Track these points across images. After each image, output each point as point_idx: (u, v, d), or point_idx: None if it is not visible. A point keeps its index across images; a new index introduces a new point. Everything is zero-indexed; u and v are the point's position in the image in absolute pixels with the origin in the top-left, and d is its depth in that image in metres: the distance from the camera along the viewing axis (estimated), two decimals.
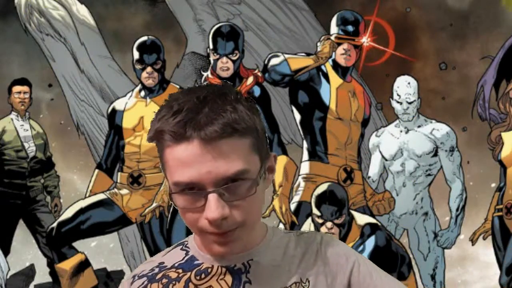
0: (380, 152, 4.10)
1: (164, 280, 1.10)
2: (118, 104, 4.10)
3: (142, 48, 4.02)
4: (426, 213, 4.06)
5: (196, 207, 0.99)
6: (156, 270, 1.13)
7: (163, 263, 1.14)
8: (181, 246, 1.16)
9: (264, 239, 1.11)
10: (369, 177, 4.09)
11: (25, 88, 4.32)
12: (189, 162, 0.96)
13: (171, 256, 1.15)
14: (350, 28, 3.93)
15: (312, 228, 3.58)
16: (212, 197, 0.97)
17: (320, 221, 3.51)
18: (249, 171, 0.99)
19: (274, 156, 1.09)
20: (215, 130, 0.95)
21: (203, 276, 1.08)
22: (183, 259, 1.13)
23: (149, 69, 3.99)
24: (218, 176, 0.96)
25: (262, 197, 1.05)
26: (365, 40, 3.97)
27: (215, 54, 3.89)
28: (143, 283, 1.12)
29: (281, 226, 3.81)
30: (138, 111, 4.03)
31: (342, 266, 1.10)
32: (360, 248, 3.52)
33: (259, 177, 1.01)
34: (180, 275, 1.09)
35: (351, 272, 1.09)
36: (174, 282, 1.09)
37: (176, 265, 1.12)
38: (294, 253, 1.10)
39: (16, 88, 4.31)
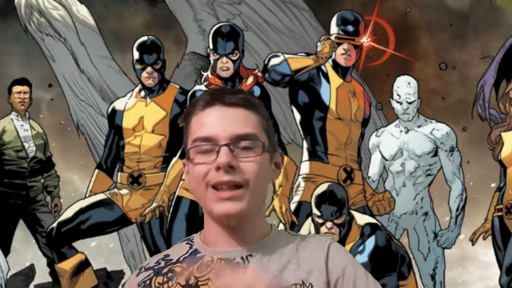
0: (380, 152, 4.10)
1: (170, 274, 1.15)
2: (118, 104, 4.10)
3: (142, 48, 4.02)
4: (426, 213, 4.06)
5: (208, 160, 1.10)
6: (162, 263, 1.18)
7: (169, 255, 1.20)
8: (186, 241, 1.22)
9: (267, 237, 1.16)
10: (369, 177, 4.09)
11: (25, 88, 4.32)
12: (209, 122, 1.13)
13: (177, 249, 1.21)
14: (350, 28, 3.93)
15: (312, 228, 3.58)
16: (223, 149, 1.09)
17: (320, 221, 3.51)
18: (258, 137, 1.13)
19: (281, 154, 1.21)
20: (234, 97, 1.14)
21: (203, 268, 1.13)
22: (187, 252, 1.18)
23: (149, 69, 3.99)
24: (231, 134, 1.11)
25: (266, 178, 1.16)
26: (365, 40, 3.97)
27: (215, 54, 3.89)
28: (149, 275, 1.17)
29: (281, 226, 3.81)
30: (138, 111, 4.03)
31: (347, 278, 1.13)
32: (360, 248, 3.51)
33: (266, 151, 1.13)
34: (185, 269, 1.15)
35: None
36: (178, 275, 1.14)
37: (181, 259, 1.17)
38: (298, 255, 1.13)
39: (16, 88, 4.31)
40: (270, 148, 1.15)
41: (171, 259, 1.18)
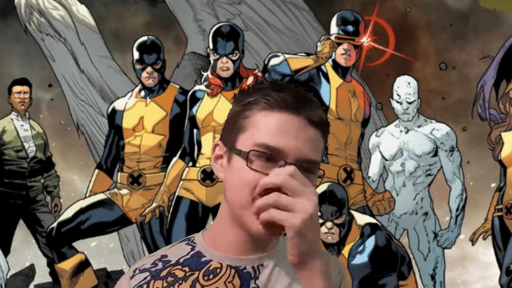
0: (380, 152, 4.10)
1: (170, 279, 1.07)
2: (118, 104, 4.10)
3: (142, 48, 4.02)
4: (426, 213, 4.06)
5: (267, 172, 0.99)
6: (160, 265, 1.09)
7: (166, 256, 1.11)
8: (186, 241, 1.13)
9: (277, 246, 1.10)
10: (369, 177, 4.09)
11: (25, 88, 4.32)
12: (287, 132, 1.01)
13: (176, 250, 1.12)
14: (350, 28, 3.93)
15: None
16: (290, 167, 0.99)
17: (320, 221, 3.51)
18: (319, 166, 1.05)
19: None
20: (319, 117, 1.04)
21: (211, 276, 1.05)
22: (188, 253, 1.10)
23: (149, 69, 3.99)
24: (302, 155, 1.01)
25: None
26: (365, 40, 3.97)
27: (215, 54, 3.89)
28: (145, 278, 1.08)
29: None
30: (138, 111, 4.03)
31: None
32: (360, 248, 3.51)
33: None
34: (188, 274, 1.06)
35: None
36: (180, 282, 1.06)
37: (181, 261, 1.09)
38: None
39: (16, 88, 4.31)
40: None
41: (170, 261, 1.09)
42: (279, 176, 0.96)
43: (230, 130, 1.06)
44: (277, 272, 1.06)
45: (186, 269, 1.07)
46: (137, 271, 1.10)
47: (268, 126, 1.02)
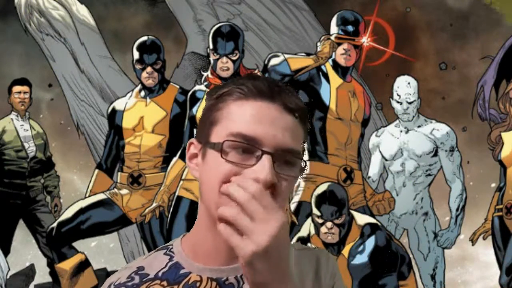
0: (380, 152, 4.10)
1: None
2: (118, 104, 4.10)
3: (142, 48, 4.02)
4: (426, 213, 4.06)
5: (244, 163, 0.94)
6: (137, 279, 1.01)
7: (143, 268, 1.03)
8: (164, 250, 1.06)
9: None
10: (369, 177, 4.09)
11: (25, 88, 4.32)
12: (262, 120, 0.95)
13: (153, 260, 1.05)
14: (350, 28, 3.93)
15: (312, 228, 3.58)
16: (267, 159, 0.93)
17: (320, 221, 3.51)
18: (301, 155, 0.98)
19: None
20: (294, 102, 0.98)
21: None
22: (166, 265, 1.02)
23: (149, 69, 3.99)
24: (279, 144, 0.95)
25: (290, 195, 1.01)
26: (365, 40, 3.97)
27: (215, 54, 3.89)
28: None
29: None
30: (138, 111, 4.03)
31: None
32: (360, 248, 3.51)
33: (301, 170, 1.00)
34: None
35: None
36: None
37: (160, 274, 1.01)
38: (295, 270, 1.01)
39: (16, 88, 4.31)
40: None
41: (147, 274, 1.01)
42: (239, 192, 0.85)
43: (204, 125, 1.00)
44: None
45: (165, 283, 1.00)
46: (112, 286, 1.02)
47: (242, 115, 0.96)
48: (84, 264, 4.03)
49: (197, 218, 1.04)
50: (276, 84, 1.00)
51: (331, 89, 3.90)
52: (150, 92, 4.03)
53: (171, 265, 1.02)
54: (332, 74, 3.92)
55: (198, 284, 0.98)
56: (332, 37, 3.91)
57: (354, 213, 3.65)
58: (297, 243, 1.11)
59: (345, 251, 3.52)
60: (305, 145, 1.03)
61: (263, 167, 0.92)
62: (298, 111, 0.98)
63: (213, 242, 0.99)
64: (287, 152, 0.95)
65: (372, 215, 3.86)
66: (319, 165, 3.90)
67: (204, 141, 0.99)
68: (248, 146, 0.94)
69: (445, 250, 4.04)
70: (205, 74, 3.97)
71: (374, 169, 4.13)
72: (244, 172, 0.93)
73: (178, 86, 4.08)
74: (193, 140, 1.03)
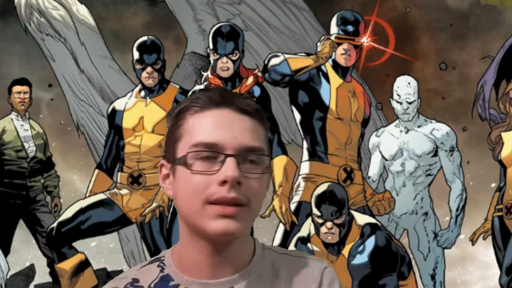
0: (380, 152, 4.10)
1: None
2: (118, 104, 4.09)
3: (142, 48, 4.01)
4: (426, 213, 4.06)
5: (210, 170, 0.97)
6: None
7: (138, 280, 1.06)
8: (157, 262, 1.08)
9: (251, 262, 1.04)
10: (369, 177, 4.09)
11: (25, 88, 4.32)
12: (218, 126, 1.00)
13: (147, 272, 1.07)
14: (350, 28, 3.93)
15: (312, 228, 3.58)
16: (231, 160, 0.97)
17: (320, 221, 3.51)
18: (265, 152, 1.02)
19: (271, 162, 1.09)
20: (246, 104, 1.02)
21: None
22: (157, 276, 1.05)
23: (149, 69, 3.98)
24: (241, 144, 0.99)
25: (265, 195, 1.05)
26: (365, 40, 3.97)
27: (215, 54, 3.89)
28: None
29: (281, 226, 3.81)
30: (138, 111, 4.03)
31: None
32: (360, 248, 3.52)
33: (269, 167, 1.03)
34: None
35: None
36: None
37: (152, 286, 1.04)
38: (287, 281, 1.04)
39: (16, 88, 4.31)
40: (270, 163, 1.04)
41: (142, 286, 1.05)
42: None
43: (169, 145, 1.06)
44: None
45: None
46: None
47: (200, 125, 1.01)
48: (84, 264, 4.03)
49: (180, 236, 1.06)
50: (227, 91, 1.05)
51: (331, 89, 3.90)
52: (150, 92, 4.03)
53: (162, 277, 1.05)
54: (332, 74, 3.92)
55: None
56: (332, 37, 3.91)
57: (354, 213, 3.65)
58: (293, 250, 1.12)
59: (345, 251, 3.52)
60: (268, 144, 1.06)
61: (227, 168, 0.96)
62: (254, 112, 1.02)
63: (197, 256, 1.02)
64: (249, 151, 0.99)
65: (372, 215, 3.86)
66: (319, 165, 3.90)
67: (172, 160, 1.03)
68: (210, 153, 0.98)
69: (445, 250, 4.04)
70: (205, 74, 3.97)
71: (374, 169, 4.13)
72: (212, 178, 0.97)
73: (178, 86, 4.08)
74: (163, 161, 1.07)
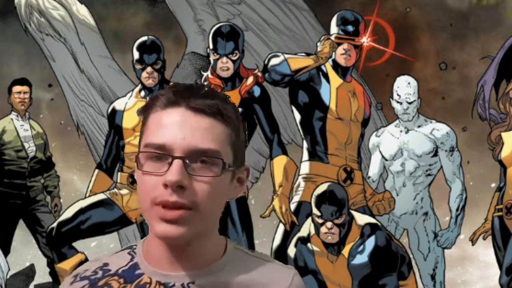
0: (380, 152, 4.11)
1: None
2: (118, 104, 4.09)
3: (142, 48, 4.01)
4: (426, 213, 4.06)
5: (158, 171, 0.96)
6: (100, 274, 1.06)
7: (107, 264, 1.08)
8: (129, 250, 1.10)
9: (217, 262, 1.04)
10: (369, 177, 4.10)
11: (25, 88, 4.32)
12: (168, 126, 0.98)
13: (117, 258, 1.09)
14: (350, 28, 3.93)
15: (312, 228, 3.58)
16: (177, 162, 0.96)
17: (320, 221, 3.51)
18: (220, 155, 0.98)
19: (246, 170, 1.07)
20: (203, 103, 0.98)
21: None
22: (127, 264, 1.06)
23: (149, 69, 3.98)
24: (190, 146, 0.97)
25: (222, 200, 1.02)
26: (365, 40, 3.97)
27: (215, 54, 3.89)
28: (83, 286, 1.05)
29: (281, 226, 3.81)
30: None
31: None
32: (360, 248, 3.51)
33: (227, 171, 0.99)
34: (121, 286, 1.03)
35: None
36: None
37: (119, 271, 1.06)
38: (255, 282, 1.03)
39: (16, 88, 4.32)
40: (235, 165, 1.01)
41: (109, 270, 1.06)
42: None
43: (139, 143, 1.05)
44: None
45: (121, 280, 1.04)
46: (78, 278, 1.07)
47: (153, 125, 1.00)
48: None
49: None
50: (189, 88, 1.01)
51: (331, 89, 3.90)
52: (150, 92, 4.02)
53: (131, 265, 1.06)
54: (332, 74, 3.92)
55: (147, 286, 1.02)
56: (332, 37, 3.91)
57: (354, 213, 3.65)
58: (265, 254, 1.12)
59: (345, 251, 3.52)
60: (238, 142, 1.03)
61: (170, 171, 0.95)
62: (210, 110, 0.98)
63: (158, 250, 1.03)
64: (199, 153, 0.97)
65: (372, 215, 3.86)
66: (319, 165, 3.90)
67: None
68: (159, 154, 0.97)
69: (445, 250, 4.04)
70: (205, 74, 3.97)
71: (374, 169, 4.13)
72: (159, 179, 0.97)
73: None
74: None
